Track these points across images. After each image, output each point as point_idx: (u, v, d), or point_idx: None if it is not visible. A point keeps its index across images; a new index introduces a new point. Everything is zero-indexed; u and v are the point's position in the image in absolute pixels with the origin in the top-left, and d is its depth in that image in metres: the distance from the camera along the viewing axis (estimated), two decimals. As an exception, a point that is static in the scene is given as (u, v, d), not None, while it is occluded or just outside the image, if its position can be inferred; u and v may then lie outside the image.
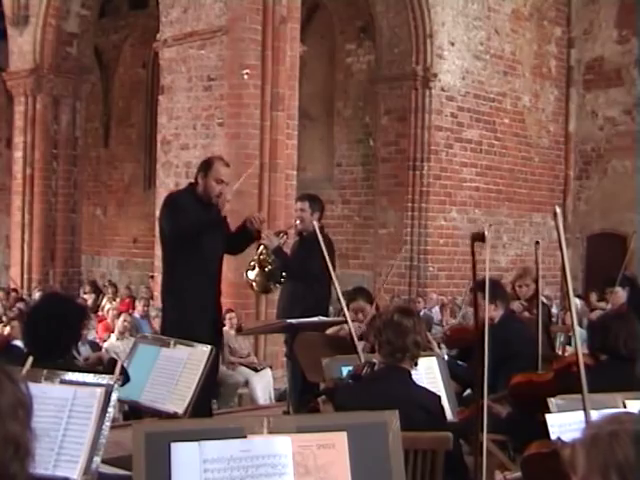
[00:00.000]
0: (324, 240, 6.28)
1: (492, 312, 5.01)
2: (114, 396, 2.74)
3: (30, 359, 2.87)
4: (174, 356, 3.88)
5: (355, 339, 4.24)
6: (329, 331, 5.43)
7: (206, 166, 5.19)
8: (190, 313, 5.00)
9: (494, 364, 4.76)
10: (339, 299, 4.53)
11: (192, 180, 5.43)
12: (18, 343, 5.85)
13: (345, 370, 3.88)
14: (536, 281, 6.84)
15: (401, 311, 3.48)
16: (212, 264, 5.12)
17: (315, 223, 5.22)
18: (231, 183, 5.41)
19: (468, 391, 5.02)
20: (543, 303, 7.33)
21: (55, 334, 3.51)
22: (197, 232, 5.05)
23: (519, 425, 3.99)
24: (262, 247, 5.55)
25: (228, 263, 5.39)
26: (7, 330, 7.83)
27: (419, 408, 3.19)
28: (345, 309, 4.74)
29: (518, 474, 3.18)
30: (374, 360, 3.55)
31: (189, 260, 5.09)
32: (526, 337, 4.85)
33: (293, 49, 9.39)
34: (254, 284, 5.57)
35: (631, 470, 1.47)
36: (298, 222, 6.12)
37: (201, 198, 5.14)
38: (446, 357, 4.92)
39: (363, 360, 3.84)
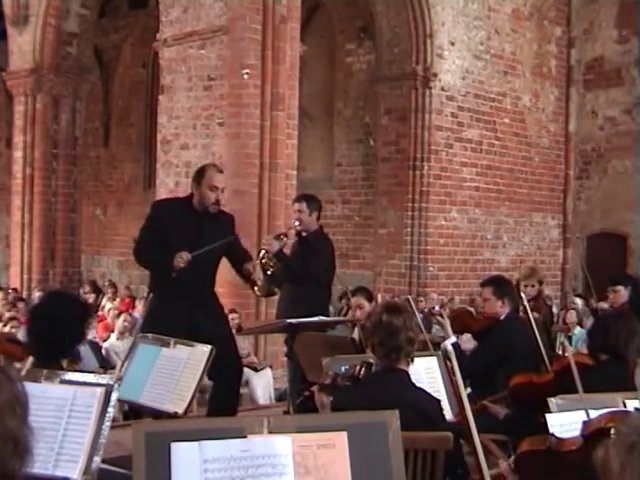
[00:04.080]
0: (324, 241, 6.31)
1: (499, 308, 5.06)
2: (114, 396, 2.73)
3: (30, 359, 2.88)
4: (174, 356, 3.88)
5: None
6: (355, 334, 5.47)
7: (198, 175, 5.08)
8: (155, 321, 4.86)
9: (494, 358, 4.81)
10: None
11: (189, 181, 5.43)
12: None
13: (343, 369, 3.87)
14: (540, 282, 6.89)
15: (389, 310, 3.40)
16: (184, 275, 4.84)
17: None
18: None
19: (468, 390, 5.02)
20: (545, 303, 7.35)
21: (57, 334, 3.49)
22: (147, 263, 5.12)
23: (517, 426, 3.99)
24: (263, 252, 5.55)
25: (227, 263, 5.35)
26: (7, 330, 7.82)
27: (418, 412, 3.17)
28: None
29: None
30: (370, 360, 3.52)
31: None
32: (528, 336, 4.88)
33: (293, 49, 9.39)
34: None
35: None
36: (297, 223, 6.14)
37: (197, 209, 5.03)
38: (453, 338, 4.95)
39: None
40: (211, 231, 4.93)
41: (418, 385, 3.46)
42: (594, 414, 2.72)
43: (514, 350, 4.78)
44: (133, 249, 5.26)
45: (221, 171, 5.24)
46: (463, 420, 2.38)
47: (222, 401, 5.01)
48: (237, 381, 5.23)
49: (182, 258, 4.78)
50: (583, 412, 2.79)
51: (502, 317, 5.06)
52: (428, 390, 3.55)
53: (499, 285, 5.18)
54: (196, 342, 4.12)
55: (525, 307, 4.91)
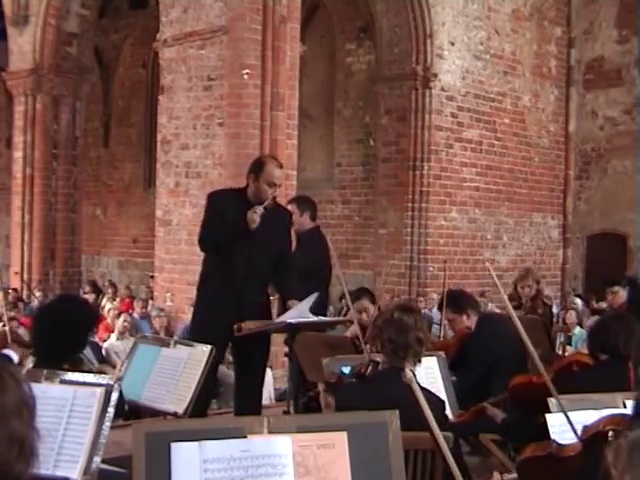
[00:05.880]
0: (317, 238, 6.30)
1: (466, 322, 5.00)
2: (114, 396, 2.74)
3: (30, 359, 2.88)
4: (174, 356, 3.88)
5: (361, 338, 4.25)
6: (348, 333, 5.45)
7: (257, 168, 4.89)
8: (204, 314, 4.89)
9: (482, 370, 4.75)
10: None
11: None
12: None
13: (346, 370, 3.87)
14: (538, 282, 6.89)
15: (401, 309, 3.43)
16: (238, 267, 4.79)
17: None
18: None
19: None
20: (545, 303, 7.35)
21: (62, 338, 3.49)
22: (220, 244, 4.82)
23: (514, 430, 3.98)
24: None
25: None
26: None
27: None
28: (352, 308, 4.77)
29: (515, 475, 3.18)
30: (377, 359, 3.52)
31: (213, 260, 5.00)
32: (506, 336, 4.84)
33: (293, 49, 9.39)
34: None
35: None
36: None
37: (252, 201, 4.83)
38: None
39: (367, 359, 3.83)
40: (265, 226, 4.75)
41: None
42: (594, 414, 2.72)
43: (498, 355, 4.68)
44: (199, 239, 4.98)
45: (281, 166, 5.09)
46: (435, 445, 2.36)
47: (249, 390, 4.97)
48: (262, 372, 5.16)
49: (256, 212, 4.64)
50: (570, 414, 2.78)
51: (473, 328, 4.98)
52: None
53: (455, 302, 5.11)
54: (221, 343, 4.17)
55: (508, 308, 4.83)
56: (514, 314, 3.78)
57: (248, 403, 4.91)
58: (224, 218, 4.83)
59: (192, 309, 5.32)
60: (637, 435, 1.56)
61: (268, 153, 9.15)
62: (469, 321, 4.99)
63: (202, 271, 5.11)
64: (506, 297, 4.77)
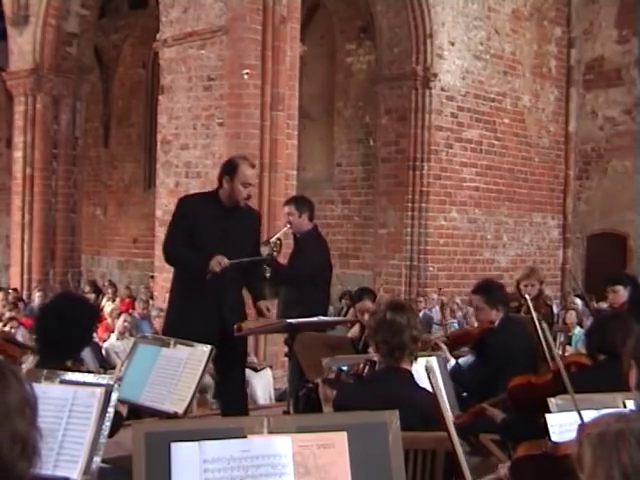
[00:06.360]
0: (315, 239, 6.31)
1: (493, 316, 5.01)
2: (114, 396, 2.74)
3: (31, 358, 2.88)
4: (174, 356, 3.88)
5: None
6: (351, 333, 5.46)
7: (231, 170, 4.90)
8: (180, 317, 4.92)
9: (495, 368, 4.77)
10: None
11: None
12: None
13: (344, 368, 3.88)
14: (541, 282, 6.88)
15: (393, 308, 3.38)
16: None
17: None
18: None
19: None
20: (546, 303, 7.34)
21: (65, 335, 3.50)
22: (181, 265, 4.95)
23: (514, 430, 3.98)
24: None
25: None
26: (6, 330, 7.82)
27: (420, 412, 3.16)
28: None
29: None
30: (374, 358, 3.51)
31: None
32: (526, 339, 4.85)
33: (293, 49, 9.39)
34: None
35: (636, 472, 1.46)
36: (288, 226, 6.18)
37: (224, 203, 4.92)
38: (453, 360, 4.91)
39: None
40: (238, 227, 4.86)
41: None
42: (593, 414, 2.71)
43: (514, 356, 4.73)
44: (163, 248, 5.10)
45: (253, 165, 5.15)
46: (450, 442, 2.37)
47: (232, 390, 5.03)
48: (243, 372, 5.25)
49: (219, 264, 4.69)
50: (575, 413, 2.77)
51: (496, 324, 5.01)
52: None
53: (490, 293, 5.10)
54: (220, 335, 4.28)
55: (529, 307, 4.87)
56: (534, 314, 3.79)
57: (233, 403, 4.96)
58: (193, 224, 4.87)
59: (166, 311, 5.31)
60: (596, 434, 1.55)
61: (267, 153, 9.16)
62: (496, 316, 5.01)
63: (176, 273, 5.14)
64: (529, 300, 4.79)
